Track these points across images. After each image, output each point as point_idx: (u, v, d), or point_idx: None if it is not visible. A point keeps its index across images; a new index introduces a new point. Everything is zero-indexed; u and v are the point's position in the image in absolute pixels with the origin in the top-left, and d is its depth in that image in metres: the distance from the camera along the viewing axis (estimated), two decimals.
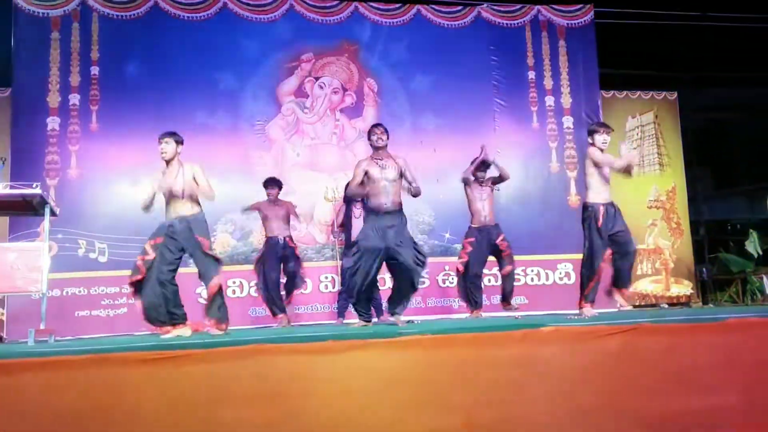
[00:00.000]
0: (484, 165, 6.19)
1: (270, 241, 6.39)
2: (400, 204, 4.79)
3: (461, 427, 2.20)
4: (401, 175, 4.78)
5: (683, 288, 8.45)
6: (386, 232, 4.64)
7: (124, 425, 2.11)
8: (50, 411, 2.14)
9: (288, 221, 6.50)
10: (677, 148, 8.74)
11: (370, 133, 4.88)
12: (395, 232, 4.65)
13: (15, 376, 2.21)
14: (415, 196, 4.86)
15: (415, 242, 4.84)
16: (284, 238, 6.41)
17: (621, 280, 5.06)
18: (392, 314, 4.87)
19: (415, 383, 2.39)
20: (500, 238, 6.14)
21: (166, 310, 4.48)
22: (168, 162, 4.65)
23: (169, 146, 4.62)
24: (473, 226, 6.14)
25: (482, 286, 6.36)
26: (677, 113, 8.83)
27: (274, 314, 6.36)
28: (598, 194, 4.95)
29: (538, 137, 8.09)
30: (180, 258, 4.62)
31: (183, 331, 4.47)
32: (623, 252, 4.98)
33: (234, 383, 2.25)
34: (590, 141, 5.05)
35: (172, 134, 4.67)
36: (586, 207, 5.01)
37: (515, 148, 7.95)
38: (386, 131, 4.84)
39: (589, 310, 4.94)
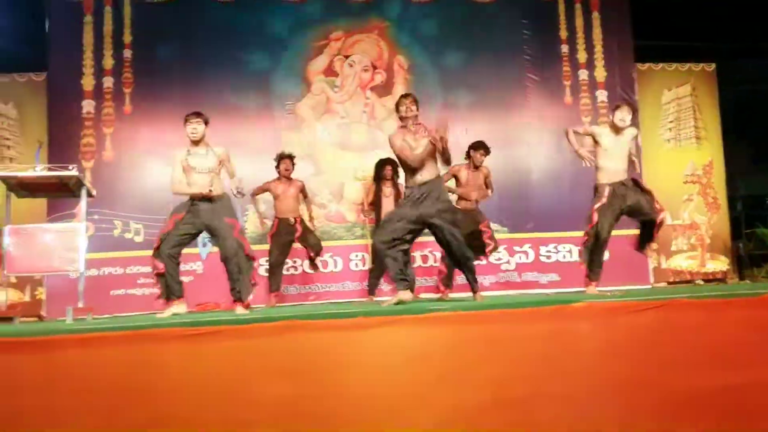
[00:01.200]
0: (482, 148, 6.09)
1: (281, 223, 6.35)
2: (436, 174, 4.72)
3: (490, 401, 2.20)
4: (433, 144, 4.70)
5: (719, 264, 8.30)
6: (422, 202, 4.58)
7: (159, 399, 2.16)
8: (88, 386, 2.20)
9: (298, 201, 6.45)
10: (715, 121, 8.52)
11: (398, 104, 4.77)
12: (431, 201, 4.59)
13: (55, 353, 2.28)
14: (446, 163, 4.79)
15: (455, 209, 4.80)
16: (295, 218, 6.36)
17: (646, 237, 5.03)
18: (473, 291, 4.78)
19: (444, 358, 2.40)
20: (484, 223, 6.05)
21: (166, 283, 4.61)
22: (197, 142, 4.70)
23: (200, 126, 4.69)
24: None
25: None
26: (715, 85, 8.59)
27: (270, 290, 6.36)
28: (604, 174, 4.95)
29: (571, 112, 7.96)
30: (195, 237, 4.75)
31: (179, 308, 4.56)
32: (645, 217, 4.94)
33: (267, 358, 2.29)
34: (610, 117, 5.05)
35: (201, 114, 4.73)
36: (594, 188, 5.03)
37: (548, 124, 7.85)
38: (416, 101, 4.73)
39: (592, 290, 4.91)
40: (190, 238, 4.79)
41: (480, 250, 5.77)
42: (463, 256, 4.69)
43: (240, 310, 4.59)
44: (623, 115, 4.92)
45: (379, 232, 4.79)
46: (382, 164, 6.43)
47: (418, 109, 4.72)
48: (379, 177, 6.44)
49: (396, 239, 4.56)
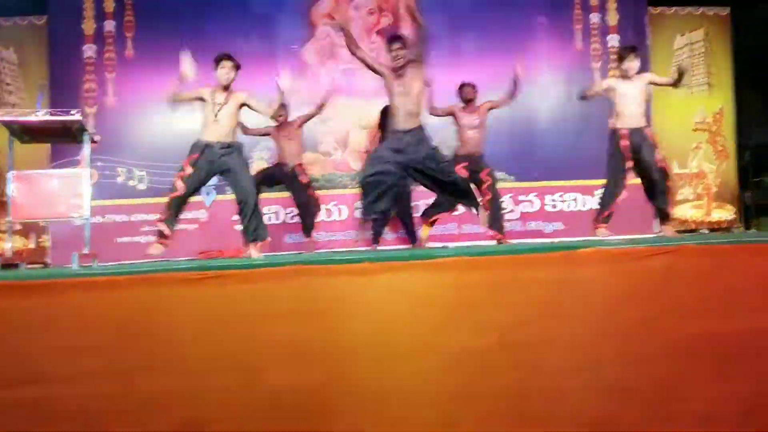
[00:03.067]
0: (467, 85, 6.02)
1: (278, 167, 6.24)
2: (420, 122, 4.60)
3: (496, 345, 2.21)
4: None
5: (725, 213, 8.25)
6: (405, 149, 4.49)
7: (167, 340, 2.18)
8: (95, 328, 2.21)
9: (300, 147, 6.32)
10: (727, 68, 8.35)
11: (388, 49, 4.58)
12: (414, 148, 4.49)
13: (61, 296, 2.28)
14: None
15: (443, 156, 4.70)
16: (294, 164, 6.22)
17: (661, 213, 5.03)
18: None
19: (450, 304, 2.39)
20: (485, 172, 5.97)
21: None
22: (226, 87, 4.69)
23: (232, 72, 4.71)
24: (459, 154, 5.95)
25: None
26: (729, 31, 8.38)
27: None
28: (621, 120, 4.94)
29: (581, 58, 7.80)
30: (206, 181, 4.73)
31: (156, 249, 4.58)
32: (649, 180, 4.92)
33: (274, 302, 2.29)
34: (618, 64, 5.04)
35: (231, 57, 4.70)
36: (610, 133, 5.02)
37: (556, 70, 7.71)
38: (405, 44, 4.53)
39: (602, 232, 4.95)
40: (203, 183, 4.78)
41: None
42: (458, 191, 4.68)
43: (254, 252, 4.58)
44: (630, 63, 4.93)
45: (365, 168, 4.69)
46: (386, 111, 6.34)
47: (407, 48, 4.53)
48: (383, 124, 6.36)
49: (380, 173, 4.48)
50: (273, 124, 6.12)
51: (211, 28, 7.24)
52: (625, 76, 4.98)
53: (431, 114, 5.81)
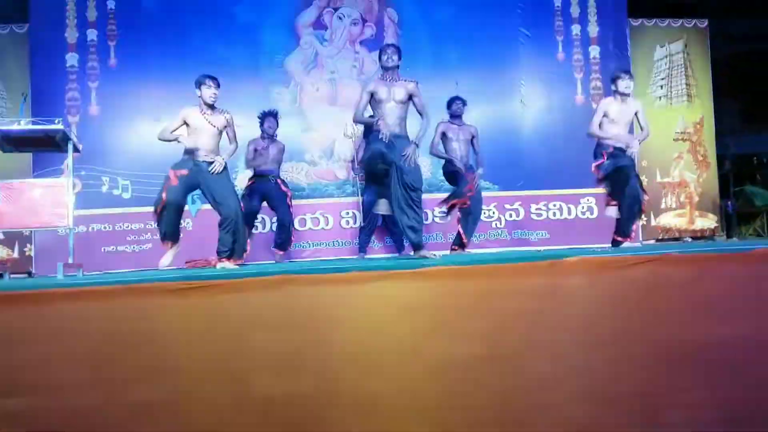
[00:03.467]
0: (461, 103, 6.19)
1: (257, 179, 6.24)
2: (405, 130, 4.75)
3: (483, 353, 2.22)
4: (410, 98, 4.70)
5: (708, 221, 8.36)
6: (392, 149, 4.57)
7: (154, 350, 2.16)
8: (80, 338, 2.20)
9: (280, 161, 6.35)
10: (706, 79, 8.48)
11: (381, 52, 4.80)
12: (400, 148, 4.58)
13: (47, 306, 2.26)
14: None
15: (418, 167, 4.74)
16: (275, 179, 6.25)
17: (624, 222, 5.14)
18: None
19: (436, 312, 2.41)
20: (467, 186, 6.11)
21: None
22: (211, 106, 4.82)
23: (217, 91, 4.84)
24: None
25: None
26: (707, 43, 8.52)
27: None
28: (606, 137, 5.13)
29: (563, 68, 7.88)
30: (188, 193, 4.98)
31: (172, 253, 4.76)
32: (629, 189, 5.04)
33: (263, 311, 2.29)
34: (614, 88, 5.15)
35: (216, 78, 4.82)
36: (597, 145, 5.23)
37: (539, 80, 7.79)
38: (398, 51, 4.75)
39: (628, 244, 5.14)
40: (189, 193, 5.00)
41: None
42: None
43: (224, 265, 4.64)
44: (627, 83, 5.13)
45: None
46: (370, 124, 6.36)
47: (399, 59, 4.73)
48: (368, 134, 6.37)
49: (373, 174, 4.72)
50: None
51: (194, 36, 7.24)
52: (622, 95, 5.12)
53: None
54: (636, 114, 5.22)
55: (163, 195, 4.63)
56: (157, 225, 4.77)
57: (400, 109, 4.67)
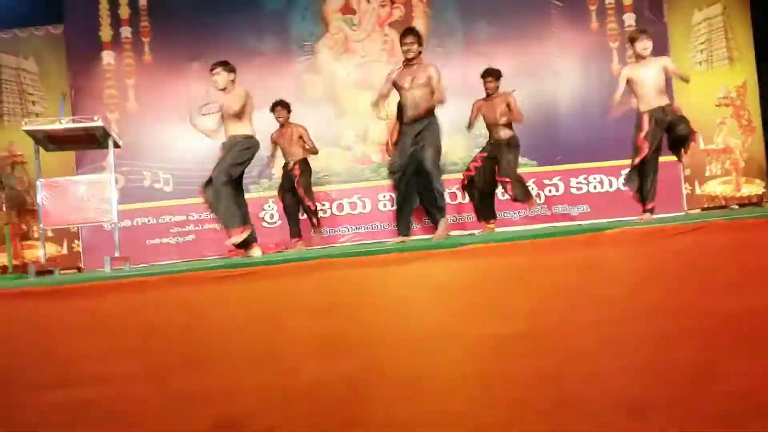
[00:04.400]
0: (489, 75, 6.06)
1: (285, 168, 6.38)
2: (431, 111, 4.70)
3: (524, 331, 2.20)
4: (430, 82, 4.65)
5: (755, 187, 8.11)
6: (414, 140, 4.65)
7: (199, 339, 2.21)
8: (128, 329, 2.25)
9: (299, 146, 6.35)
10: (748, 41, 8.17)
11: (400, 42, 4.74)
12: (421, 136, 4.63)
13: (95, 299, 2.32)
14: (439, 104, 4.75)
15: (438, 147, 4.76)
16: (293, 162, 6.30)
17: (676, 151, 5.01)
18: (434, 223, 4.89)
19: (476, 291, 2.40)
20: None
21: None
22: (223, 90, 4.84)
23: (220, 77, 4.76)
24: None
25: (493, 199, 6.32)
26: (747, 3, 8.21)
27: (291, 237, 6.39)
28: (643, 103, 4.98)
29: (597, 38, 7.70)
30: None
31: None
32: (680, 132, 4.93)
33: (301, 296, 2.32)
34: (632, 49, 5.01)
35: (223, 64, 4.79)
36: (637, 117, 5.05)
37: (574, 52, 7.62)
38: (418, 38, 4.68)
39: (648, 217, 4.92)
40: None
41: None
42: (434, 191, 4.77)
43: (229, 240, 4.72)
44: (644, 44, 4.95)
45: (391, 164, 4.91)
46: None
47: (421, 45, 4.67)
48: (401, 117, 6.35)
49: (401, 173, 4.69)
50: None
51: (225, 27, 7.29)
52: (640, 57, 4.96)
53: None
54: (666, 69, 5.03)
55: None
56: None
57: (422, 98, 4.64)
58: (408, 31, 4.77)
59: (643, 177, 5.01)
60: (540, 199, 7.46)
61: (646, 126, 4.92)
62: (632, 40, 5.04)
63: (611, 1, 7.72)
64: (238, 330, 2.29)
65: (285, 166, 6.37)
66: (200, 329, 2.30)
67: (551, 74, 7.63)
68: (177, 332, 2.24)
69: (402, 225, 4.87)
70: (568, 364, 2.17)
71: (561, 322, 2.31)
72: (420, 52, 4.70)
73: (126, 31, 7.33)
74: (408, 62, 4.70)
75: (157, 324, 2.22)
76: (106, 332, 2.20)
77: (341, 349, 2.22)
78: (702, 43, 8.12)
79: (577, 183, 7.55)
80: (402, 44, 4.71)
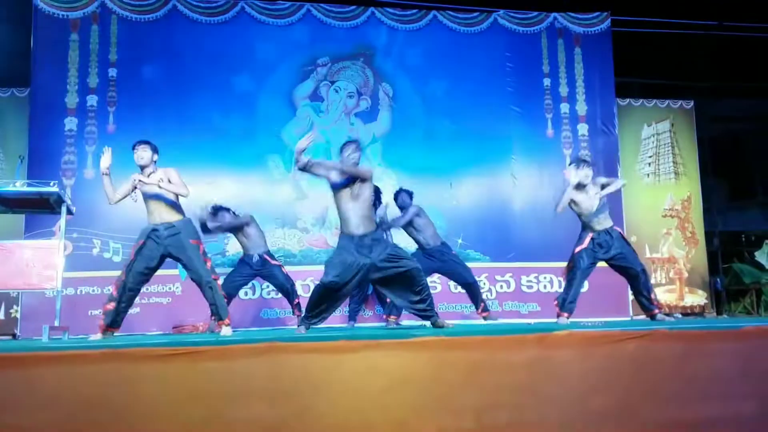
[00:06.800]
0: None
1: (245, 258, 6.11)
2: (373, 225, 4.56)
3: (472, 428, 2.19)
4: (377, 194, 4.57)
5: (697, 298, 8.38)
6: (368, 250, 4.38)
7: (138, 418, 2.12)
8: (64, 403, 2.15)
9: (263, 239, 6.18)
10: (693, 157, 8.68)
11: (341, 150, 4.55)
12: (378, 250, 4.39)
13: (30, 369, 2.22)
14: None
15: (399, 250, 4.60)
16: (260, 255, 6.06)
17: (644, 305, 5.12)
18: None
19: (426, 384, 2.38)
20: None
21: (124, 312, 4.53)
22: (143, 168, 4.64)
23: (145, 153, 4.64)
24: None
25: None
26: (693, 122, 8.77)
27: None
28: (586, 225, 5.18)
29: (552, 145, 8.05)
30: (158, 265, 4.57)
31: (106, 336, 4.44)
32: (629, 275, 5.08)
33: (248, 380, 2.26)
34: (575, 171, 5.22)
35: (147, 142, 4.70)
36: (581, 228, 5.25)
37: (530, 155, 7.94)
38: (359, 148, 4.56)
39: (563, 320, 5.03)
40: (155, 268, 4.60)
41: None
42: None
43: (225, 330, 4.49)
44: (587, 172, 5.15)
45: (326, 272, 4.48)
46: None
47: (360, 156, 4.55)
48: None
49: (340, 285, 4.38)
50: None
51: (193, 104, 7.38)
52: (580, 185, 5.15)
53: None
54: (601, 187, 5.22)
55: (123, 271, 4.55)
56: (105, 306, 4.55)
57: (364, 208, 4.48)
58: (351, 141, 4.69)
59: (568, 287, 5.14)
60: (491, 294, 7.54)
61: (584, 244, 5.09)
62: (577, 168, 5.20)
63: (566, 111, 8.13)
64: (177, 412, 2.21)
65: (247, 258, 6.11)
66: (137, 408, 2.21)
67: (507, 174, 7.90)
68: (113, 410, 2.15)
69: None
70: None
71: (509, 421, 2.31)
72: (356, 163, 4.48)
73: (92, 100, 7.35)
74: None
75: (94, 400, 2.13)
76: (39, 405, 2.10)
77: None
78: (650, 156, 8.58)
79: (528, 281, 7.69)
80: (344, 150, 4.51)
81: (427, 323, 4.56)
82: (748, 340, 2.66)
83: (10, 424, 1.95)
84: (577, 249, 5.13)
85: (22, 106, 7.38)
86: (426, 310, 4.46)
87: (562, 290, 5.33)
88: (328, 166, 4.57)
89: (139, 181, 4.57)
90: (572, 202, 5.17)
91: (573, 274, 5.11)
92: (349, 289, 4.55)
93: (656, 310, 5.08)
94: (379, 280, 4.51)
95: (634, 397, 2.34)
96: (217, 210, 6.12)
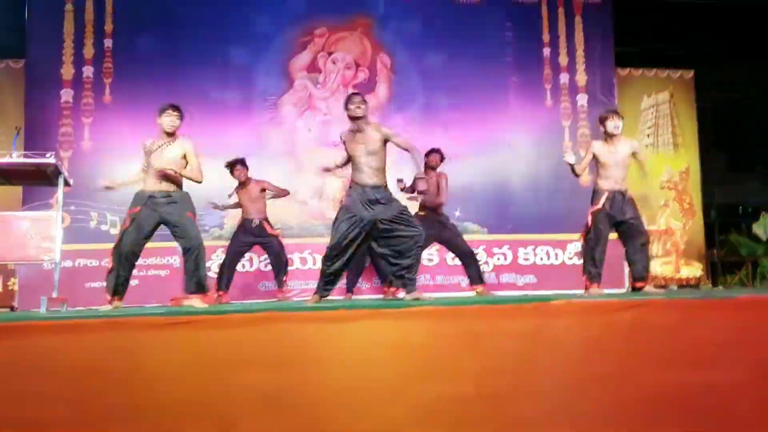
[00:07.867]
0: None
1: (245, 222, 6.18)
2: (385, 180, 4.55)
3: (471, 394, 2.21)
4: (385, 144, 4.49)
5: (693, 270, 8.42)
6: (374, 205, 4.44)
7: (137, 386, 2.14)
8: (63, 373, 2.16)
9: (264, 203, 6.26)
10: (692, 128, 8.65)
11: (347, 102, 4.52)
12: (384, 207, 4.44)
13: (28, 339, 2.23)
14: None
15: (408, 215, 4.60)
16: (260, 220, 6.17)
17: (637, 272, 5.04)
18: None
19: (424, 352, 2.40)
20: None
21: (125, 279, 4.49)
22: (170, 134, 4.56)
23: (177, 121, 4.55)
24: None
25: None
26: (693, 93, 8.72)
27: (217, 288, 6.04)
28: (603, 181, 4.98)
29: (551, 115, 8.02)
30: (152, 232, 4.53)
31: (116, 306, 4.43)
32: (637, 242, 4.98)
33: (246, 349, 2.28)
34: (602, 129, 5.03)
35: (177, 108, 4.59)
36: (593, 192, 5.05)
37: (528, 127, 7.91)
38: (365, 101, 4.51)
39: (596, 290, 4.94)
40: (151, 235, 4.55)
41: None
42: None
43: (197, 302, 4.41)
44: (616, 122, 4.94)
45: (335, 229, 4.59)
46: None
47: (367, 109, 4.52)
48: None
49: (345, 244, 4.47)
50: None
51: (189, 76, 7.32)
52: (610, 136, 4.97)
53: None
54: (634, 154, 5.09)
55: (117, 236, 4.55)
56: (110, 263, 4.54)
57: (374, 160, 4.48)
58: (356, 93, 4.69)
59: (590, 253, 4.99)
60: (488, 267, 7.56)
61: (600, 203, 4.91)
62: (603, 120, 5.01)
63: (566, 81, 8.08)
64: (177, 379, 2.23)
65: (246, 221, 6.20)
66: (137, 376, 2.22)
67: (505, 146, 7.88)
68: (114, 379, 2.16)
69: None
70: (510, 429, 2.18)
71: (507, 389, 2.33)
72: (366, 115, 4.52)
73: (88, 71, 7.29)
74: (353, 122, 4.53)
75: (94, 369, 2.14)
76: (40, 376, 2.11)
77: (283, 406, 2.18)
78: (649, 127, 8.54)
79: (525, 253, 7.71)
80: (350, 102, 4.50)
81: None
82: (743, 310, 2.68)
83: (6, 394, 1.96)
84: (593, 209, 4.93)
85: (18, 77, 7.32)
86: (405, 278, 4.47)
87: (582, 261, 5.14)
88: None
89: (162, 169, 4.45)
90: (596, 156, 4.98)
91: (595, 241, 4.93)
92: (355, 248, 4.57)
93: (646, 283, 5.03)
94: (377, 236, 4.54)
95: (630, 365, 2.36)
96: (235, 163, 6.14)
